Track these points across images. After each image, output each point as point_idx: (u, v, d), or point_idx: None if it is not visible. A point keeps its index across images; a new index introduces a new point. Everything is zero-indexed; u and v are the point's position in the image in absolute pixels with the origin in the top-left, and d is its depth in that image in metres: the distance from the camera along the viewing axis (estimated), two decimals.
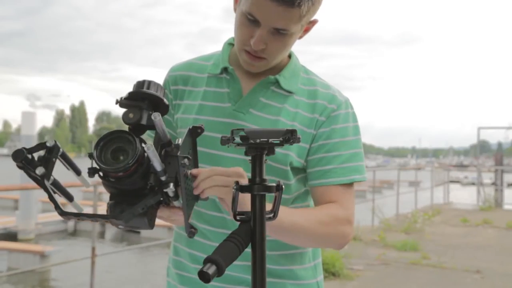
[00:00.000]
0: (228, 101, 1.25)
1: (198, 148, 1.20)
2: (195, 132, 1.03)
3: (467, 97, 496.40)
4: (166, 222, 1.11)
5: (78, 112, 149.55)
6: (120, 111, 0.95)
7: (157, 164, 0.90)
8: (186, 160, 0.94)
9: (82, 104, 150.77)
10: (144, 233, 16.28)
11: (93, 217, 0.90)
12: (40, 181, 0.88)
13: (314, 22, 1.23)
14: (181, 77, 1.32)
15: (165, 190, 0.91)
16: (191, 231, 0.97)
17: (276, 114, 1.24)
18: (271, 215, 0.93)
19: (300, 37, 1.25)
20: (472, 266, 6.70)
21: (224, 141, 0.86)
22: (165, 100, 0.96)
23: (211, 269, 0.82)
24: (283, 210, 1.05)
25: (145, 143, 0.91)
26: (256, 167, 0.88)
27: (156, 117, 0.90)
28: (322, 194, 1.23)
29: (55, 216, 17.24)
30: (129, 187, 0.91)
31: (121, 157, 0.88)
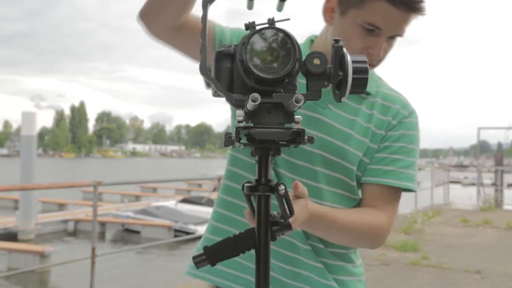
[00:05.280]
0: None
1: None
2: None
3: (467, 97, 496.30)
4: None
5: (78, 112, 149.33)
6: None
7: None
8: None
9: (82, 104, 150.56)
10: (145, 233, 16.26)
11: None
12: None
13: None
14: None
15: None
16: None
17: (354, 114, 1.25)
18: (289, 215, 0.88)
19: None
20: (472, 266, 6.69)
21: (230, 142, 0.81)
22: None
23: (201, 259, 0.87)
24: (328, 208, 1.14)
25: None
26: (262, 167, 0.87)
27: None
28: (374, 192, 1.24)
29: (54, 216, 17.25)
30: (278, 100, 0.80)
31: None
